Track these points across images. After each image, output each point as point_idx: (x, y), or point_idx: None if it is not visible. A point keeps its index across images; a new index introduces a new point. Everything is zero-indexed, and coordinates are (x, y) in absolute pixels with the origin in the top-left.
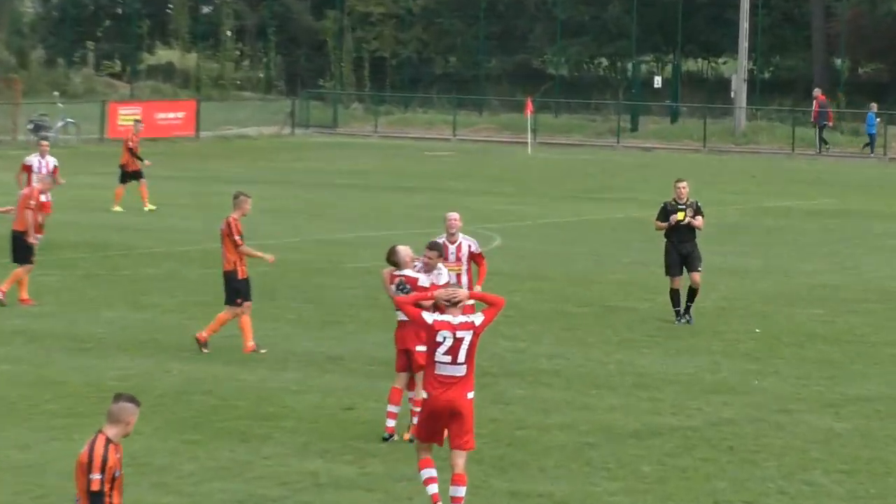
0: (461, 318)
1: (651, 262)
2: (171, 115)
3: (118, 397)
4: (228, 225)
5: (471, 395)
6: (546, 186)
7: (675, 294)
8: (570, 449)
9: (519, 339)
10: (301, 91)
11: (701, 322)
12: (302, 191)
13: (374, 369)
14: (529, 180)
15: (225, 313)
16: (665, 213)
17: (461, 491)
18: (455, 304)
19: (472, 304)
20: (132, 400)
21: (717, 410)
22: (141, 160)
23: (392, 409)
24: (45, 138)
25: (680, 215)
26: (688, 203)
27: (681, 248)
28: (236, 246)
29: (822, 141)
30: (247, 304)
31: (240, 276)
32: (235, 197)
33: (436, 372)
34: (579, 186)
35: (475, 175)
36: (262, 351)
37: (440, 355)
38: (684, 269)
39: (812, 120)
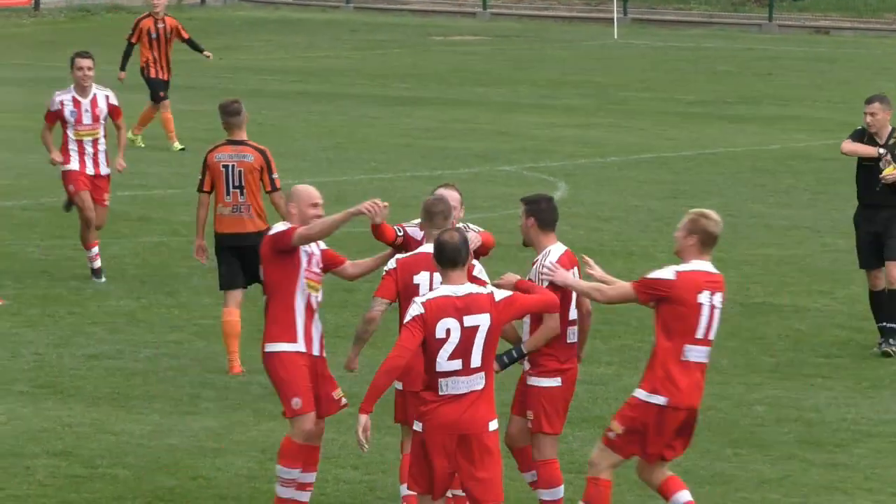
0: (467, 289)
1: (827, 226)
2: None
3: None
4: (263, 154)
5: (494, 425)
6: (643, 96)
7: (876, 299)
8: None
9: (598, 360)
10: None
11: None
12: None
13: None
14: (615, 85)
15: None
16: (860, 139)
17: None
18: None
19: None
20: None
21: None
22: (201, 51)
23: (409, 493)
24: None
25: (889, 169)
26: (891, 142)
27: (873, 220)
28: (274, 189)
29: None
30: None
31: None
32: (235, 112)
33: (441, 393)
34: (700, 96)
35: (520, 77)
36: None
37: (444, 362)
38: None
39: None
